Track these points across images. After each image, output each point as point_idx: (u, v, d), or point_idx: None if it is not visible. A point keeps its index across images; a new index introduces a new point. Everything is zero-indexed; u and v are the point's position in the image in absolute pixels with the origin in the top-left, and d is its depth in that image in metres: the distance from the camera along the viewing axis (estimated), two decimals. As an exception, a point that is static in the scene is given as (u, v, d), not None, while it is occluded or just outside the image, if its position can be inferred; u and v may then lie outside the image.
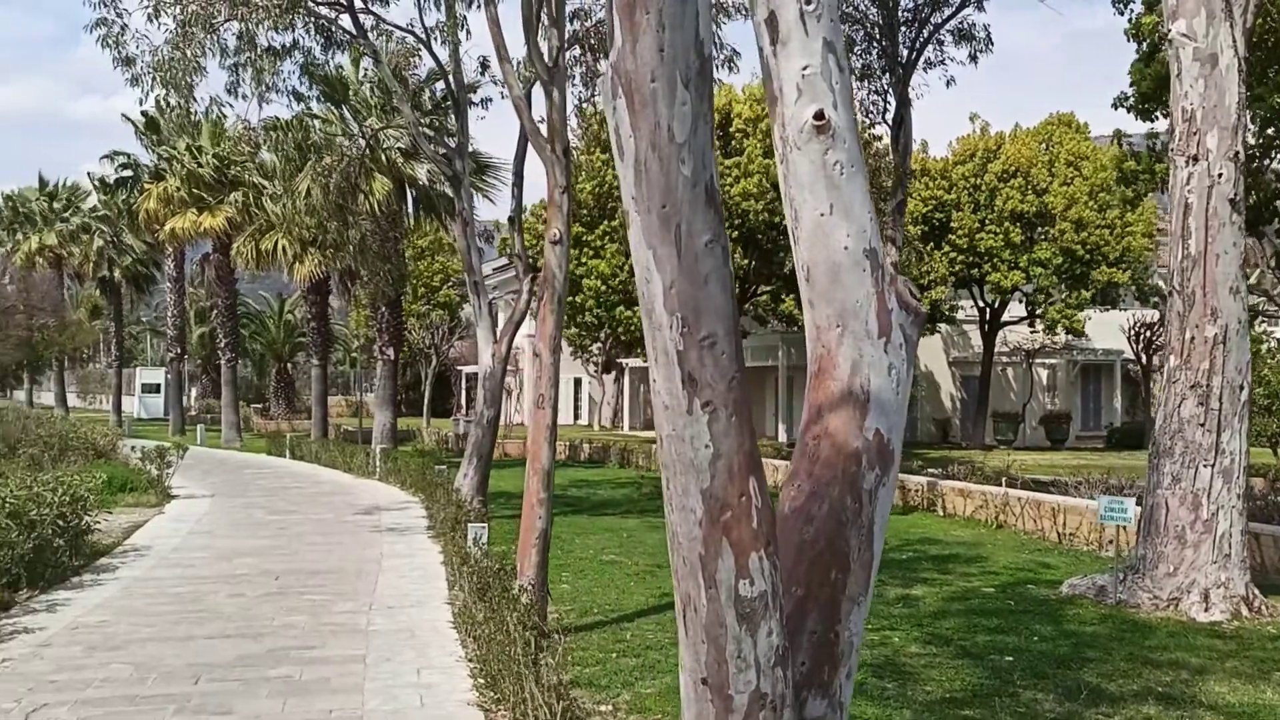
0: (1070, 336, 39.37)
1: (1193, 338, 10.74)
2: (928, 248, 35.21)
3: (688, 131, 2.99)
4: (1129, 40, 16.09)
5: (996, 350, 41.09)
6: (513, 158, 17.14)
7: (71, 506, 13.23)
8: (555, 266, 9.85)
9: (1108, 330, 42.60)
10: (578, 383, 62.16)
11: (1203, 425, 10.67)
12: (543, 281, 9.91)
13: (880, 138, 18.99)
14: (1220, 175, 10.65)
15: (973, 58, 17.61)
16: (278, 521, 18.25)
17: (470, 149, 27.97)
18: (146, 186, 42.03)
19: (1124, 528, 12.98)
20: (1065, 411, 43.81)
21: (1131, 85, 15.72)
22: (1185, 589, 10.55)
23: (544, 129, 10.21)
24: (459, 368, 65.18)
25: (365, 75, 27.04)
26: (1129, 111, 16.02)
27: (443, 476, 19.58)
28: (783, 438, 41.75)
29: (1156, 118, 16.11)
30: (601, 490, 24.00)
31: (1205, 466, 10.63)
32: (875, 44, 18.85)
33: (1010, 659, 8.99)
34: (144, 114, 41.79)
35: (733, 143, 28.95)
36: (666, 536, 3.26)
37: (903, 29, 18.77)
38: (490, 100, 18.22)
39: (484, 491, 17.44)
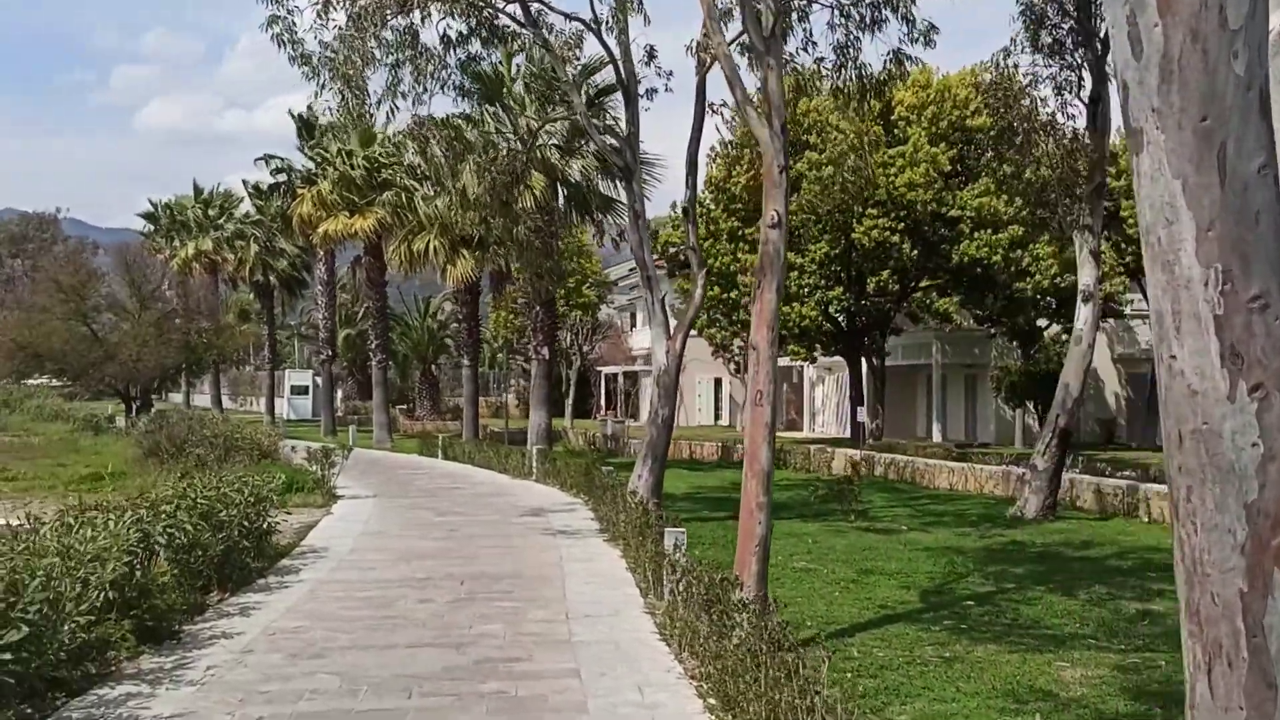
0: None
1: None
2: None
3: (1244, 14, 2.18)
4: None
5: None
6: (686, 145, 16.45)
7: (256, 507, 13.05)
8: (774, 251, 9.09)
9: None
10: (718, 383, 61.43)
11: None
12: (759, 268, 9.16)
13: (1074, 116, 17.71)
14: None
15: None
16: (446, 523, 17.96)
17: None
18: (300, 191, 42.86)
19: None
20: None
21: None
22: None
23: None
24: (598, 368, 65.07)
25: (519, 71, 26.78)
26: None
27: (611, 478, 19.03)
28: (936, 437, 40.23)
29: None
30: (736, 494, 23.17)
31: None
32: (1068, 15, 17.58)
33: None
34: (300, 116, 42.63)
35: (895, 131, 27.81)
36: (1176, 560, 2.46)
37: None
38: (655, 91, 17.43)
39: (659, 493, 16.81)
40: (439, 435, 38.42)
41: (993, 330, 36.04)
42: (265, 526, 13.57)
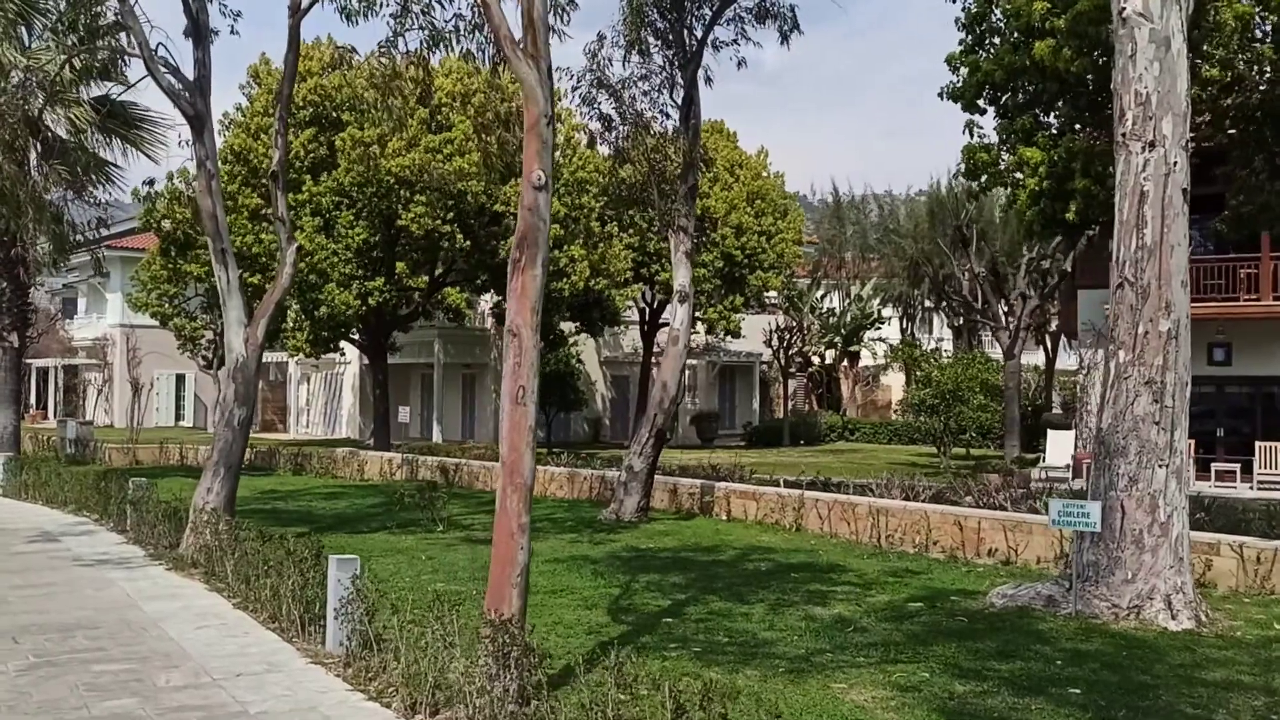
0: (727, 338, 40.38)
1: (1146, 332, 10.30)
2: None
3: None
4: (959, 29, 15.96)
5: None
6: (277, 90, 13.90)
7: None
8: (539, 219, 7.51)
9: (746, 332, 44.11)
10: (180, 379, 55.77)
11: (1158, 424, 10.25)
12: (520, 238, 7.52)
13: (668, 115, 17.60)
14: (1175, 163, 10.29)
15: (783, 39, 16.70)
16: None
17: (119, 99, 23.55)
18: None
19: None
20: (714, 411, 45.04)
21: (955, 71, 15.56)
22: (1146, 596, 10.06)
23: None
24: (28, 361, 56.28)
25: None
26: (955, 100, 15.83)
27: (144, 490, 15.77)
28: (436, 438, 39.34)
29: (985, 110, 16.08)
30: (317, 502, 20.75)
31: (1160, 467, 10.22)
32: (664, 14, 17.45)
33: (1077, 691, 7.89)
34: None
35: (439, 117, 26.39)
36: None
37: (689, 2, 17.53)
38: (217, 33, 14.62)
39: (233, 508, 14.09)
40: None
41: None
42: None
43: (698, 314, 39.56)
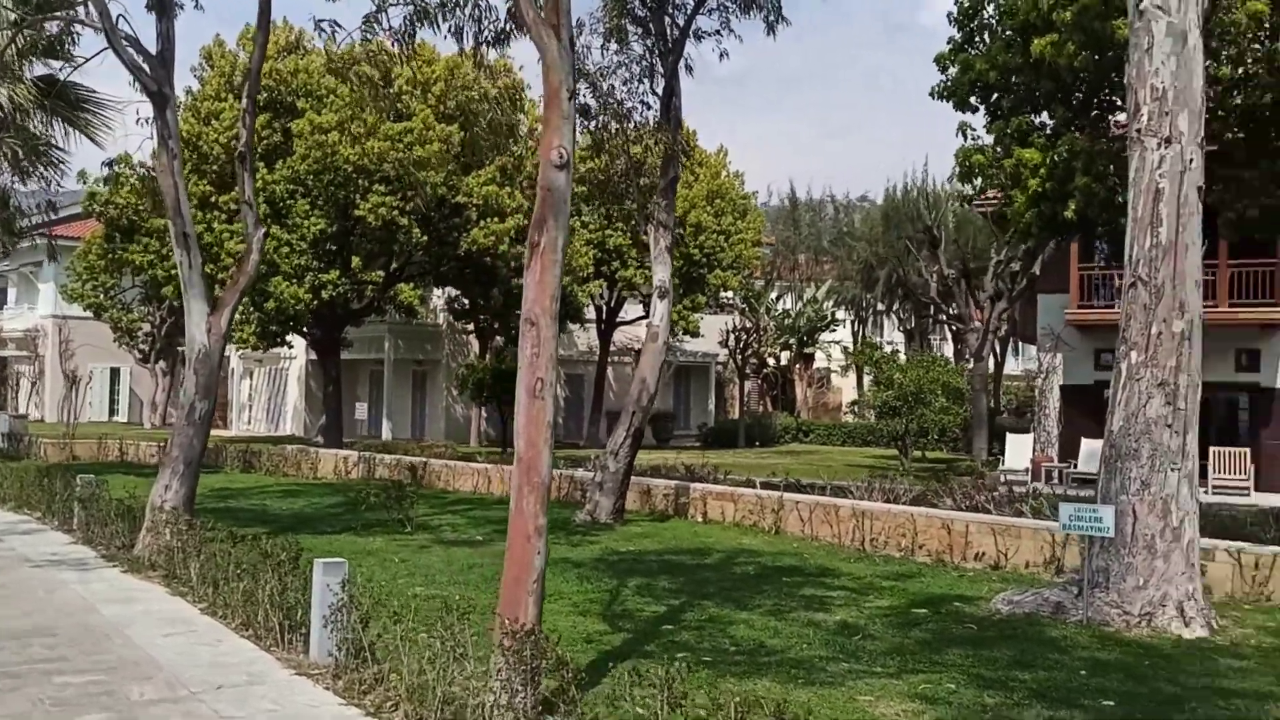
0: (686, 337, 40.01)
1: (1160, 333, 10.04)
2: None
3: None
4: (950, 24, 15.69)
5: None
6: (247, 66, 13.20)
7: None
8: (559, 199, 7.01)
9: (702, 333, 43.79)
10: (115, 373, 54.24)
11: (1170, 426, 9.99)
12: (539, 219, 7.02)
13: (649, 106, 17.13)
14: (1191, 161, 10.04)
15: (769, 29, 16.29)
16: None
17: (67, 79, 22.56)
18: None
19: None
20: (670, 411, 44.62)
21: (946, 70, 15.28)
22: (1159, 603, 9.79)
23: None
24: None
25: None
26: (947, 100, 15.55)
27: (94, 488, 14.99)
28: (386, 435, 38.50)
29: (977, 109, 15.81)
30: (272, 501, 19.98)
31: (1173, 470, 9.96)
32: (645, 2, 16.98)
33: (1111, 704, 7.56)
34: None
35: (399, 106, 25.65)
36: None
37: (670, -10, 17.09)
38: (181, 6, 13.96)
39: (192, 508, 13.37)
40: None
41: (475, 325, 35.17)
42: None
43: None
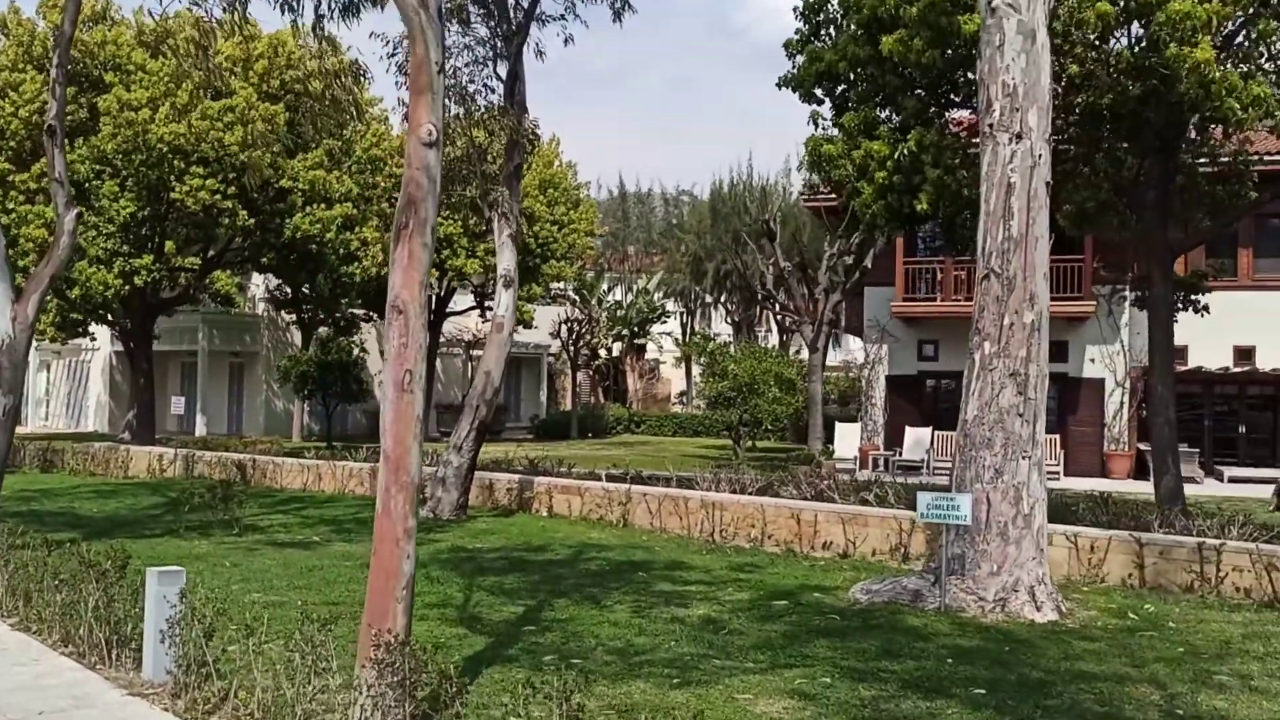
0: (519, 328, 39.37)
1: (1011, 324, 10.25)
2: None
3: None
4: (797, 18, 15.72)
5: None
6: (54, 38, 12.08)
7: None
8: (428, 180, 6.55)
9: (534, 323, 43.31)
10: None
11: (1021, 415, 10.22)
12: (405, 201, 6.55)
13: (493, 90, 16.61)
14: (1040, 156, 10.29)
15: (615, 16, 15.98)
16: None
17: None
18: None
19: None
20: (502, 403, 43.96)
21: (792, 59, 15.34)
22: (1011, 588, 10.00)
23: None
24: None
25: None
26: (794, 90, 15.57)
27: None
28: (200, 430, 36.57)
29: (824, 100, 15.88)
30: (82, 503, 18.57)
31: (1024, 458, 10.19)
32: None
33: (981, 691, 7.62)
34: None
35: (218, 83, 24.16)
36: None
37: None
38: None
39: (-4, 513, 12.21)
40: None
41: (298, 316, 33.70)
42: None
43: (487, 304, 38.48)
